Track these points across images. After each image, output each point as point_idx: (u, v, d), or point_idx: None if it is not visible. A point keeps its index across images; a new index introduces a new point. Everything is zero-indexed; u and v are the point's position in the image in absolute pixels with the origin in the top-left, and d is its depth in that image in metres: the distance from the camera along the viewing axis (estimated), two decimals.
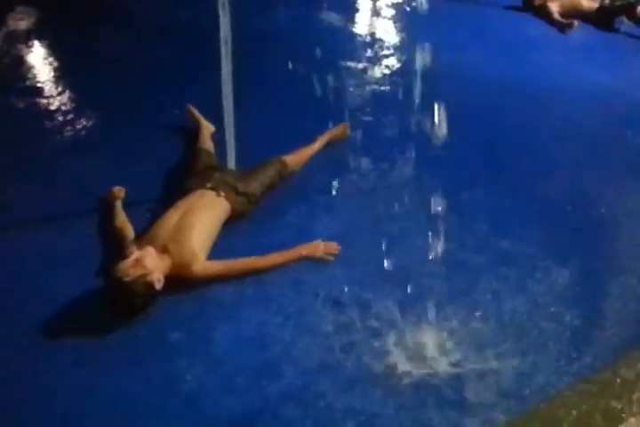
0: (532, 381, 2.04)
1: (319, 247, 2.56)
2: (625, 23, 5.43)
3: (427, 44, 4.40)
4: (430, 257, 2.56)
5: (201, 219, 2.53)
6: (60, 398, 2.02)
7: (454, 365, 2.10)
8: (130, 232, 2.60)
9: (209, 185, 2.71)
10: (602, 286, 2.43)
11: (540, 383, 2.03)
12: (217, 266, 2.42)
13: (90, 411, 1.99)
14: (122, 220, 2.69)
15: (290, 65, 3.79)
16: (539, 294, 2.40)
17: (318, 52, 3.94)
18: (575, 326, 2.25)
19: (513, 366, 2.07)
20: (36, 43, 4.38)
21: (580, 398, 1.92)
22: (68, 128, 3.47)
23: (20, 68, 4.09)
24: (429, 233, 2.67)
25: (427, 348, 2.16)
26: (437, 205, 2.87)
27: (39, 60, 4.21)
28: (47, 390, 2.05)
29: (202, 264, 2.39)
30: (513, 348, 2.16)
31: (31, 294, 2.41)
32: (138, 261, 2.24)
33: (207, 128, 3.30)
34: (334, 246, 2.59)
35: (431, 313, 2.29)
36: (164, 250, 2.39)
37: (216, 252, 2.54)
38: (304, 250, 2.55)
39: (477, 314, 2.31)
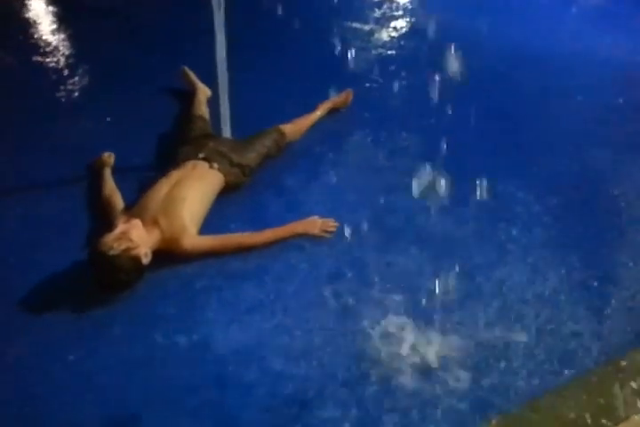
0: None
1: (316, 224, 2.45)
2: None
3: (438, 7, 4.19)
4: (432, 234, 2.46)
5: (193, 191, 2.40)
6: (37, 373, 1.96)
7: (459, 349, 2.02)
8: (118, 202, 2.48)
9: (202, 155, 2.57)
10: (610, 275, 2.33)
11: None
12: (208, 241, 2.32)
13: (69, 387, 1.92)
14: (110, 188, 2.57)
15: (290, 26, 3.57)
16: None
17: (321, 11, 3.72)
18: (581, 317, 2.16)
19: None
20: None
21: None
22: (59, 87, 3.33)
23: (12, 24, 3.89)
24: (432, 209, 2.56)
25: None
26: (442, 181, 2.75)
27: (32, 16, 4.01)
28: (24, 364, 1.98)
29: (192, 239, 2.29)
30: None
31: (13, 264, 2.32)
32: (123, 234, 2.14)
33: (203, 92, 3.13)
34: (331, 223, 2.47)
35: (433, 293, 2.20)
36: (153, 223, 2.28)
37: (208, 225, 2.43)
38: (300, 226, 2.43)
39: (483, 296, 2.21)
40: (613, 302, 2.20)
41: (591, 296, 2.23)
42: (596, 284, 2.28)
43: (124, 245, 2.10)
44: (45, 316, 2.13)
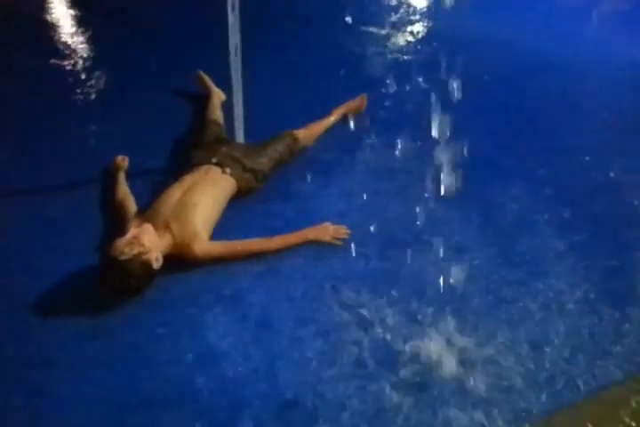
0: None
1: (327, 231, 2.43)
2: None
3: (455, 11, 4.14)
4: (445, 243, 2.42)
5: (205, 196, 2.40)
6: (46, 377, 1.96)
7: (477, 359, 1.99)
8: (131, 206, 2.49)
9: (214, 160, 2.57)
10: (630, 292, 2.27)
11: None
12: (219, 247, 2.31)
13: (77, 391, 1.92)
14: (124, 192, 2.58)
15: (305, 30, 3.56)
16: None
17: (337, 15, 3.69)
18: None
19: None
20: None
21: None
22: (74, 90, 3.36)
23: (31, 26, 3.93)
24: (445, 215, 2.52)
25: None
26: (456, 188, 2.72)
27: (49, 17, 4.05)
28: (33, 367, 1.98)
29: (203, 244, 2.28)
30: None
31: (26, 266, 2.33)
32: (135, 239, 2.14)
33: (218, 96, 3.14)
34: (343, 230, 2.45)
35: (443, 308, 2.17)
36: (165, 228, 2.28)
37: (219, 231, 2.42)
38: (311, 233, 2.42)
39: (502, 306, 2.19)
40: (635, 319, 2.15)
41: (613, 312, 2.18)
42: (613, 300, 2.22)
43: (135, 250, 2.10)
44: (55, 319, 2.13)
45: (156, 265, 2.18)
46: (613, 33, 4.19)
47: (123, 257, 2.09)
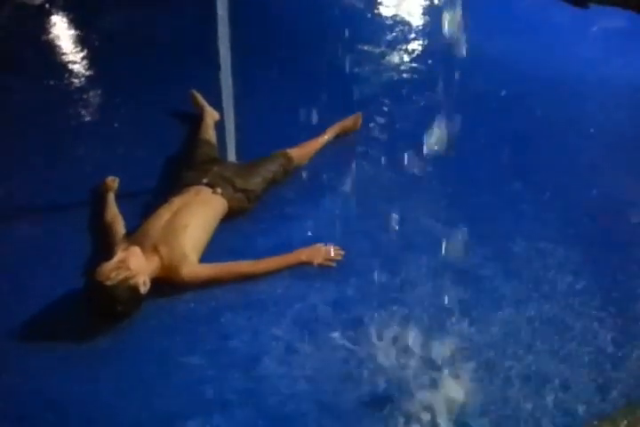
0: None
1: (320, 252, 2.37)
2: None
3: (451, 29, 4.13)
4: (441, 266, 2.36)
5: (194, 218, 2.35)
6: (25, 405, 1.89)
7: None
8: (120, 228, 2.43)
9: (205, 180, 2.52)
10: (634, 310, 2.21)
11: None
12: (209, 270, 2.25)
13: (64, 416, 1.86)
14: (113, 213, 2.53)
15: (299, 48, 3.53)
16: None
17: (331, 33, 3.66)
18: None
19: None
20: (39, 18, 4.20)
21: None
22: (65, 110, 3.32)
23: (24, 46, 3.92)
24: (444, 240, 2.47)
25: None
26: (455, 208, 2.67)
27: (39, 37, 4.04)
28: (15, 394, 1.92)
29: (192, 268, 2.22)
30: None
31: (10, 290, 2.27)
32: (121, 263, 2.08)
33: (211, 116, 3.10)
34: (336, 251, 2.39)
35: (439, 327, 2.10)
36: (153, 250, 2.23)
37: (210, 253, 2.37)
38: (304, 254, 2.36)
39: (496, 326, 2.13)
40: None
41: (613, 332, 2.12)
42: (616, 320, 2.17)
43: (122, 275, 2.05)
44: (41, 344, 2.08)
45: (144, 289, 2.12)
46: (608, 51, 4.18)
47: (109, 282, 2.03)
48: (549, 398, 1.89)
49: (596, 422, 1.82)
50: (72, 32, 4.11)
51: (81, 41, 3.99)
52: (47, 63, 3.75)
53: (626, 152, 3.12)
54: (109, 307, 2.07)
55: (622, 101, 3.54)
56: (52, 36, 4.07)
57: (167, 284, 2.22)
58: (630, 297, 2.28)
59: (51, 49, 3.91)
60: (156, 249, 2.22)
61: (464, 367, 1.98)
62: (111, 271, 2.04)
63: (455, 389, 1.91)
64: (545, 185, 2.86)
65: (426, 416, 1.83)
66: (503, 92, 3.56)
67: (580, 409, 1.87)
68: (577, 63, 3.94)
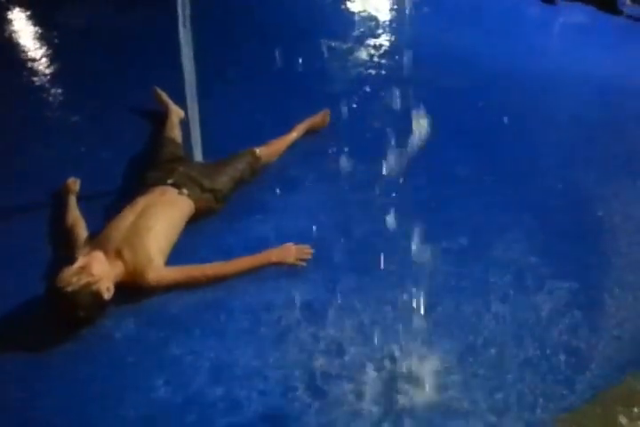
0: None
1: (290, 251, 2.33)
2: (628, 4, 5.14)
3: (418, 25, 4.13)
4: (414, 262, 2.34)
5: (159, 220, 2.28)
6: None
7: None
8: (82, 231, 2.35)
9: (170, 181, 2.45)
10: (597, 301, 2.23)
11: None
12: (175, 273, 2.19)
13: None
14: (74, 216, 2.44)
15: (265, 44, 3.47)
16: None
17: (298, 29, 3.62)
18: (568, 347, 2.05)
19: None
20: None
21: None
22: (24, 107, 3.21)
23: None
24: (414, 235, 2.45)
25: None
26: (422, 205, 2.66)
27: (3, 31, 3.90)
28: None
29: (158, 271, 2.15)
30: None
31: None
32: (83, 269, 2.00)
33: (176, 113, 3.03)
34: (307, 250, 2.35)
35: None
36: (116, 255, 2.15)
37: (177, 255, 2.30)
38: (274, 254, 2.31)
39: (471, 319, 2.12)
40: (601, 330, 2.09)
41: (578, 323, 2.13)
42: (581, 311, 2.18)
43: (83, 281, 1.97)
44: (3, 353, 1.99)
45: (107, 295, 2.05)
46: (574, 46, 4.24)
47: (70, 288, 1.95)
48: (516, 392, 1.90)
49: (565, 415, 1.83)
50: (31, 28, 4.00)
51: (41, 37, 3.88)
52: (5, 59, 3.62)
53: (593, 145, 3.16)
54: (70, 313, 1.99)
55: (587, 95, 3.58)
56: (10, 32, 3.94)
57: (133, 288, 2.15)
58: (593, 285, 2.30)
59: (9, 45, 3.78)
60: (119, 253, 2.15)
61: (435, 359, 1.97)
62: (72, 277, 1.96)
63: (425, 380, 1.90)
64: (511, 178, 2.86)
65: None
66: (468, 87, 3.57)
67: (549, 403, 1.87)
68: (543, 57, 3.99)
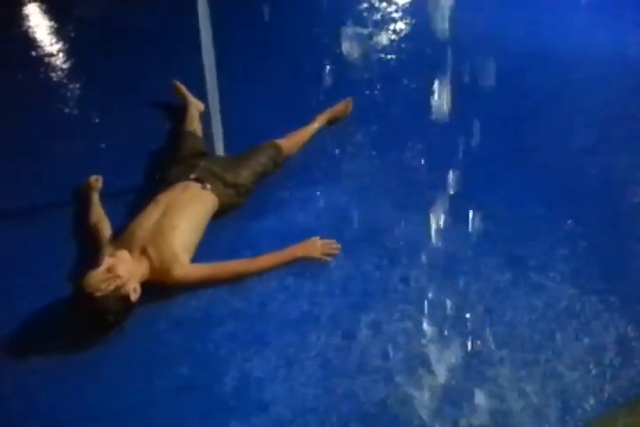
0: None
1: (316, 246, 2.28)
2: None
3: (440, 6, 3.98)
4: (439, 257, 2.28)
5: (184, 216, 2.24)
6: (24, 416, 1.81)
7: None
8: (106, 229, 2.32)
9: (193, 176, 2.41)
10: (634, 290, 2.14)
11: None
12: (202, 270, 2.15)
13: None
14: (98, 214, 2.42)
15: (284, 33, 3.39)
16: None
17: (317, 15, 3.52)
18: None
19: None
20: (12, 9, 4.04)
21: None
22: (44, 106, 3.19)
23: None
24: (438, 226, 2.38)
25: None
26: (450, 195, 2.57)
27: (13, 29, 3.87)
28: (10, 407, 1.83)
29: (185, 269, 2.12)
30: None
31: None
32: (110, 271, 1.97)
33: (196, 107, 2.98)
34: (333, 245, 2.30)
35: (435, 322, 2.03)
36: (141, 253, 2.12)
37: (202, 251, 2.27)
38: (299, 249, 2.27)
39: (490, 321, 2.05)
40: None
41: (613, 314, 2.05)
42: (617, 300, 2.09)
43: (112, 286, 1.94)
44: (28, 357, 1.98)
45: (134, 297, 2.02)
46: (602, 23, 4.06)
47: (99, 293, 1.92)
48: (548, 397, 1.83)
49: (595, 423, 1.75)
50: (47, 22, 3.97)
51: (57, 32, 3.85)
52: (22, 56, 3.60)
53: (623, 128, 3.02)
54: (100, 318, 1.97)
55: (613, 77, 3.43)
56: (27, 27, 3.92)
57: (159, 286, 2.12)
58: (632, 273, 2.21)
59: (26, 42, 3.76)
60: (144, 251, 2.12)
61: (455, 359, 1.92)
62: (100, 282, 1.93)
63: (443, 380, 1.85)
64: (542, 164, 2.76)
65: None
66: (493, 69, 3.44)
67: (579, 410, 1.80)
68: (568, 36, 3.83)
